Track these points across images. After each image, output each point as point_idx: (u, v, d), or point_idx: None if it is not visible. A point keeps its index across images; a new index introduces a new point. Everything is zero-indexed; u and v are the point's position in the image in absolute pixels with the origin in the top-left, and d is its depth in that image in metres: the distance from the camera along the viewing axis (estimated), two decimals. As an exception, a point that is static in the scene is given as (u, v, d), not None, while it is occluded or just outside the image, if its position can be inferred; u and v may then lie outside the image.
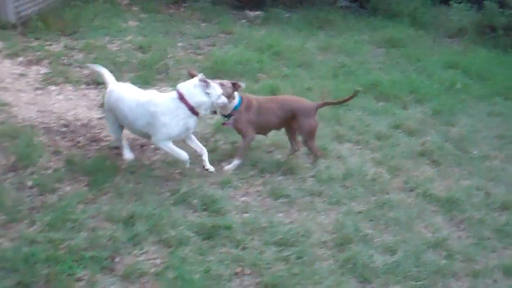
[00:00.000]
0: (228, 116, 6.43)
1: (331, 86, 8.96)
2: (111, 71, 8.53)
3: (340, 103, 7.27)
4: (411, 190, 6.43)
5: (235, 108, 6.38)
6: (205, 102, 5.97)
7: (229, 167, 6.36)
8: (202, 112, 6.03)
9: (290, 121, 6.58)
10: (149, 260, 4.90)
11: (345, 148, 7.20)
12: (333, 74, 9.71)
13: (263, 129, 6.66)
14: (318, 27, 12.49)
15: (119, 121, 6.25)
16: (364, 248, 5.30)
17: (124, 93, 6.17)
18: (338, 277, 4.90)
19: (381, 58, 10.97)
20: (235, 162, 6.39)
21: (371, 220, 5.80)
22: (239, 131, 6.51)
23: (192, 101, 5.93)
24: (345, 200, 6.07)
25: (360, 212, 5.90)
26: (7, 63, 8.64)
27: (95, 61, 8.86)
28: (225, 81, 6.33)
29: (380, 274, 5.03)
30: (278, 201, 5.93)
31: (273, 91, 8.44)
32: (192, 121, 6.02)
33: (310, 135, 6.54)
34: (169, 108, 5.90)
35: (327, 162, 6.75)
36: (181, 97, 5.94)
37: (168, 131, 5.93)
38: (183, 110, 5.93)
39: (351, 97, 6.87)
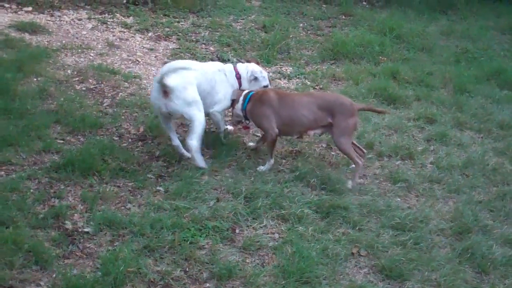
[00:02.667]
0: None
1: (453, 72, 8.78)
2: (235, 49, 8.83)
3: (378, 112, 6.67)
4: (536, 183, 6.19)
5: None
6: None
7: (262, 168, 5.94)
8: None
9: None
10: (268, 234, 5.02)
11: (466, 136, 7.05)
12: (455, 59, 9.53)
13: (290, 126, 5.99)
14: (441, 11, 12.20)
15: None
16: (483, 238, 5.20)
17: None
18: (455, 265, 4.85)
19: (506, 45, 10.63)
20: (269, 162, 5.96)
21: (491, 211, 5.68)
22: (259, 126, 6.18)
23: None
24: (465, 188, 5.97)
25: (480, 202, 5.78)
26: (138, 37, 9.00)
27: (220, 38, 9.18)
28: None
29: (498, 266, 4.92)
30: (396, 185, 5.91)
31: (393, 74, 8.40)
32: None
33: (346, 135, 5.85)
34: None
35: (448, 149, 6.65)
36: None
37: None
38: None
39: (382, 112, 6.72)
